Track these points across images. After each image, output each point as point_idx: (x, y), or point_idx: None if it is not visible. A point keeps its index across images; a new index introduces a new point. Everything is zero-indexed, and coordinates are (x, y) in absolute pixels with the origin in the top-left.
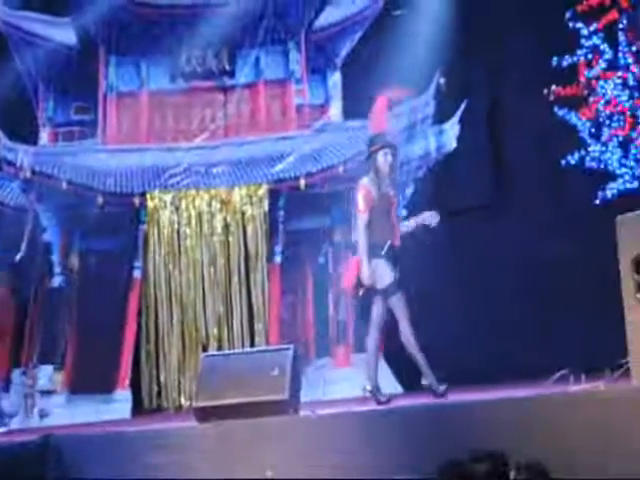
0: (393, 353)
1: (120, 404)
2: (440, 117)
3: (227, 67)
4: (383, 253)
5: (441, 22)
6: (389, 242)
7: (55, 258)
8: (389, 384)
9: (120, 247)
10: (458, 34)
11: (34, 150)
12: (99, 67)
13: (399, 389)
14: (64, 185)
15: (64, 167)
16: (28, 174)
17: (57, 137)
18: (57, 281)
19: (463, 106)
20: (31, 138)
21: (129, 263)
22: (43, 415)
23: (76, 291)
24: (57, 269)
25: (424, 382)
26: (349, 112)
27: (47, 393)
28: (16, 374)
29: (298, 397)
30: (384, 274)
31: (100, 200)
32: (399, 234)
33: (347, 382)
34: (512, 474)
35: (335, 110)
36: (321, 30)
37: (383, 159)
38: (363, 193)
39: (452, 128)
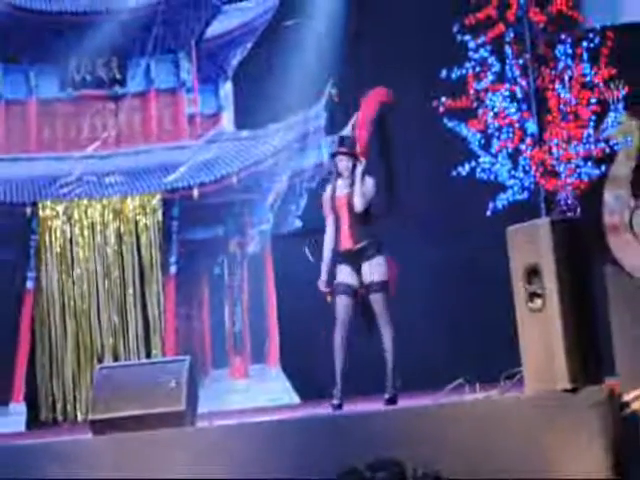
0: (290, 363)
1: (15, 417)
2: (333, 128)
3: (117, 76)
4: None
5: (333, 33)
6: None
7: None
8: (286, 394)
9: (12, 258)
10: (350, 44)
11: None
12: None
13: (296, 399)
14: None
15: None
16: None
17: None
18: None
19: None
20: None
21: (21, 274)
22: None
23: None
24: None
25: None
26: (241, 122)
27: None
28: None
29: (195, 408)
30: (347, 277)
31: None
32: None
33: (244, 393)
34: None
35: (227, 120)
36: (212, 39)
37: (344, 162)
38: (325, 197)
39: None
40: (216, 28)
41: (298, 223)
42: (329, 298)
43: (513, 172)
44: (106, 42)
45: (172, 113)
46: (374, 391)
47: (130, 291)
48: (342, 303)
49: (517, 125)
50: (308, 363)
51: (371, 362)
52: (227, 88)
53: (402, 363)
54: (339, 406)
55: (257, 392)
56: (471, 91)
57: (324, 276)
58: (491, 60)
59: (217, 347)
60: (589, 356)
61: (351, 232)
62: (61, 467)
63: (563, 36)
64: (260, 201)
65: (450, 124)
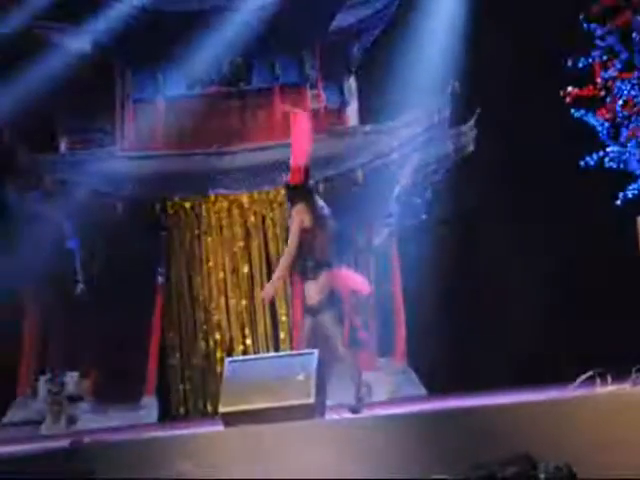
0: (418, 357)
1: (147, 410)
2: (457, 120)
3: (243, 73)
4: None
5: (456, 25)
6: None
7: (78, 266)
8: (413, 387)
9: (142, 254)
10: (473, 37)
11: (54, 159)
12: (116, 75)
13: (422, 392)
14: (84, 193)
15: (84, 175)
16: (49, 183)
17: (76, 146)
18: (80, 289)
19: (479, 109)
20: (50, 147)
21: (151, 270)
22: (71, 421)
23: (99, 298)
24: (79, 277)
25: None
26: (364, 116)
27: (74, 400)
28: (42, 381)
29: (324, 401)
30: (313, 294)
31: (120, 207)
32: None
33: (372, 386)
34: (542, 476)
35: (351, 114)
36: (336, 35)
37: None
38: (296, 222)
39: (470, 131)
40: (340, 23)
41: (423, 216)
42: None
43: None
44: (232, 40)
45: (296, 108)
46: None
47: (257, 285)
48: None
49: None
50: (434, 356)
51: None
52: (351, 83)
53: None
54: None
55: (384, 385)
56: (598, 80)
57: None
58: (619, 48)
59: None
60: None
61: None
62: (192, 459)
63: None
64: (385, 195)
65: (578, 114)
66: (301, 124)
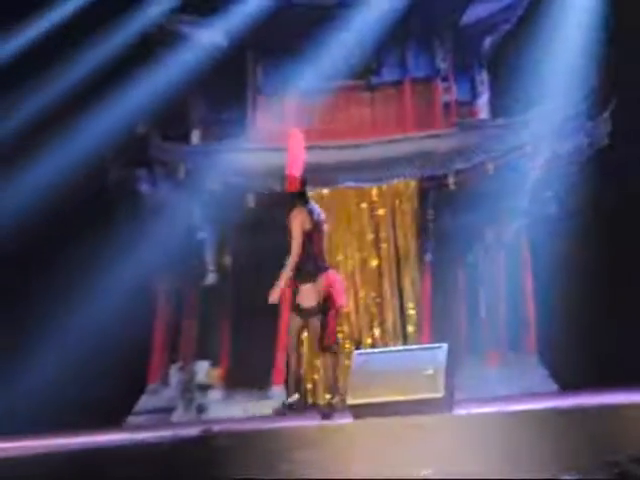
0: (549, 352)
1: (275, 400)
2: (591, 114)
3: (373, 66)
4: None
5: (590, 19)
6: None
7: (209, 256)
8: (544, 382)
9: (272, 245)
10: (609, 28)
11: (186, 150)
12: (248, 67)
13: (554, 387)
14: (216, 184)
15: (216, 166)
16: (181, 174)
17: (208, 137)
18: (211, 279)
19: (614, 102)
20: (183, 138)
21: (281, 261)
22: (201, 410)
23: (230, 289)
24: (211, 267)
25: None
26: (496, 109)
27: (205, 388)
28: (174, 369)
29: (453, 395)
30: (310, 297)
31: (251, 198)
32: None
33: (500, 381)
34: None
35: (482, 107)
36: (467, 27)
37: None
38: (298, 221)
39: (604, 124)
40: (471, 17)
41: (555, 209)
42: None
43: None
44: (362, 33)
45: (427, 101)
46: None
47: (386, 278)
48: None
49: None
50: (566, 352)
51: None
52: (482, 75)
53: None
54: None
55: (514, 380)
56: None
57: None
58: None
59: (473, 334)
60: None
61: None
62: (319, 451)
63: None
64: (516, 188)
65: None
66: (297, 139)
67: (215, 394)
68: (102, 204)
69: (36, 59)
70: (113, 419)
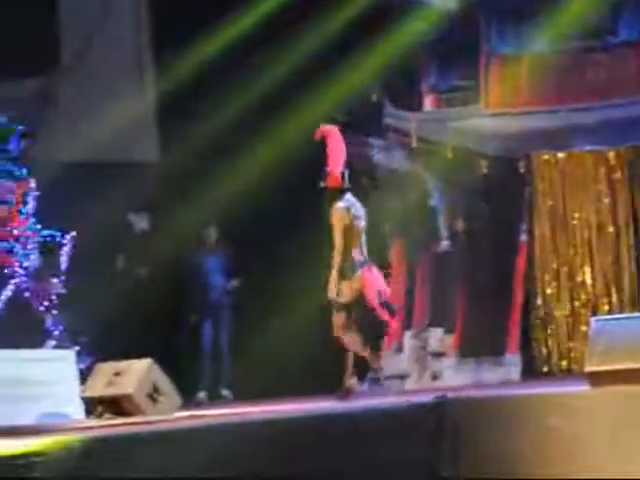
0: None
1: (509, 367)
2: None
3: (609, 25)
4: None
5: None
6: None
7: (441, 223)
8: None
9: (505, 211)
10: None
11: (419, 117)
12: (480, 31)
13: None
14: (449, 151)
15: (448, 133)
16: (414, 141)
17: (440, 103)
18: (444, 245)
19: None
20: (415, 105)
21: (515, 227)
22: (435, 377)
23: (463, 255)
24: (443, 233)
25: None
26: None
27: (438, 356)
28: (407, 336)
29: None
30: (346, 292)
31: (484, 164)
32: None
33: None
34: None
35: None
36: None
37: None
38: (338, 217)
39: None
40: None
41: None
42: None
43: None
44: None
45: None
46: None
47: (623, 243)
48: None
49: None
50: None
51: None
52: None
53: None
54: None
55: None
56: None
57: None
58: None
59: None
60: None
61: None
62: (560, 418)
63: None
64: None
65: None
66: (335, 137)
67: (449, 361)
68: None
69: (264, 34)
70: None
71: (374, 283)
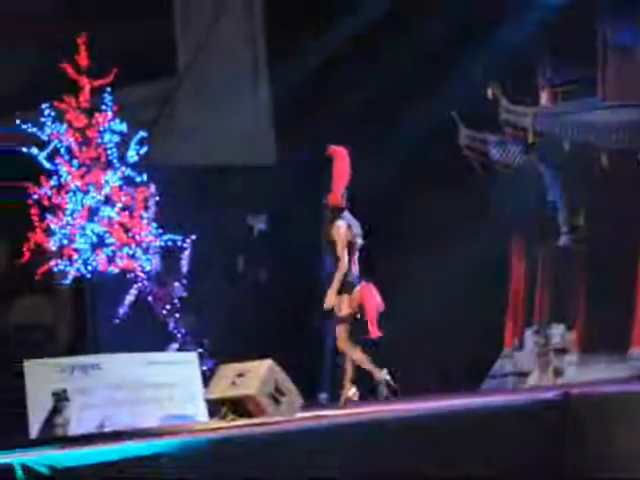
0: None
1: (636, 362)
2: None
3: None
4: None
5: None
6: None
7: (561, 217)
8: None
9: (626, 203)
10: None
11: (535, 111)
12: (596, 23)
13: None
14: (566, 144)
15: (565, 126)
16: (530, 136)
17: (556, 97)
18: (564, 240)
19: None
20: (531, 100)
21: (637, 219)
22: (557, 373)
23: (584, 250)
24: (564, 228)
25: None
26: None
27: (560, 352)
28: (529, 333)
29: None
30: (345, 307)
31: (603, 157)
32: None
33: None
34: None
35: None
36: None
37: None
38: (341, 233)
39: None
40: None
41: None
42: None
43: None
44: None
45: None
46: None
47: None
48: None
49: None
50: None
51: None
52: None
53: None
54: None
55: None
56: None
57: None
58: None
59: None
60: None
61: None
62: None
63: None
64: None
65: None
66: (342, 157)
67: (571, 357)
68: (455, 167)
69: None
70: (468, 383)
71: (373, 298)
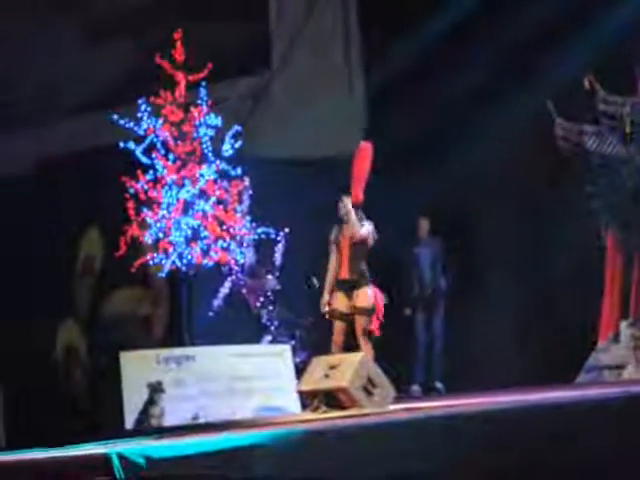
0: None
1: None
2: None
3: None
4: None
5: None
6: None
7: None
8: None
9: None
10: None
11: (633, 101)
12: None
13: None
14: None
15: None
16: (628, 125)
17: None
18: None
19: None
20: (628, 89)
21: None
22: None
23: None
24: None
25: None
26: None
27: None
28: (624, 326)
29: None
30: (341, 304)
31: None
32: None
33: None
34: None
35: None
36: None
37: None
38: (332, 235)
39: None
40: None
41: None
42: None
43: None
44: None
45: None
46: None
47: None
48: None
49: None
50: None
51: None
52: None
53: None
54: None
55: None
56: None
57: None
58: None
59: None
60: None
61: (349, 266)
62: None
63: None
64: None
65: None
66: (366, 153)
67: None
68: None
69: (469, 25)
70: (562, 376)
71: (381, 296)
